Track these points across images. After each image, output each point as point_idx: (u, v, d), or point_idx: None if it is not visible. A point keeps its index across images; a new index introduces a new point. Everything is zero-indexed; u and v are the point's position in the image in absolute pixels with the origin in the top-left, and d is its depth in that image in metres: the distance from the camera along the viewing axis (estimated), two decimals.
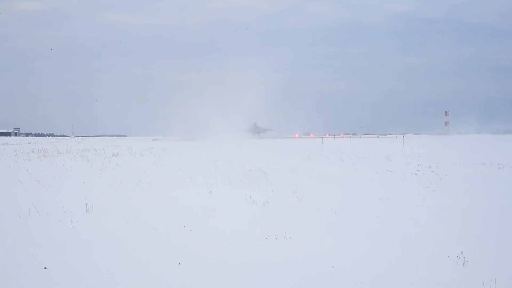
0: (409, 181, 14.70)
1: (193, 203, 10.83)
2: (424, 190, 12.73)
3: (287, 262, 6.32)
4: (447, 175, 16.13)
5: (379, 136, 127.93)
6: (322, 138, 69.90)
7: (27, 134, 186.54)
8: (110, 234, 7.84)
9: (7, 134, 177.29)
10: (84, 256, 6.61)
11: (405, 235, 7.70)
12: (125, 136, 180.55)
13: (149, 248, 6.99)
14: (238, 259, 6.46)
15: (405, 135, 77.96)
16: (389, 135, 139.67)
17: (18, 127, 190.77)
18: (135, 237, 7.63)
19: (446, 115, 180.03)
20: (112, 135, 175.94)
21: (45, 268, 6.11)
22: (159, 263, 6.27)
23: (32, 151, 33.15)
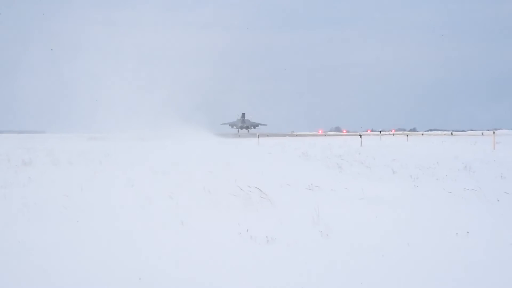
0: (503, 207, 14.70)
1: (154, 241, 10.79)
2: None
3: None
4: None
5: (453, 133, 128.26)
6: (360, 136, 69.93)
7: None
8: None
9: None
10: None
11: None
12: (44, 132, 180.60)
13: None
14: None
15: (496, 131, 78.07)
16: (469, 132, 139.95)
17: None
18: None
19: None
20: (23, 132, 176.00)
21: None
22: None
23: None
